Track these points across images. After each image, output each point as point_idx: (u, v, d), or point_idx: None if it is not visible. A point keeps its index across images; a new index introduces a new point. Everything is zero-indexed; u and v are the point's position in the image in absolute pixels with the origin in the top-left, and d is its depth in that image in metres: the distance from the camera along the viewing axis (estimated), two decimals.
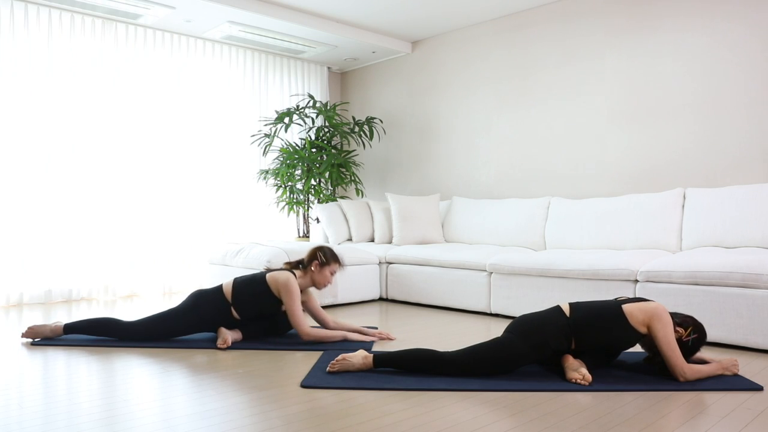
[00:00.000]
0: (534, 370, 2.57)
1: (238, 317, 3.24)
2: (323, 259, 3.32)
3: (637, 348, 3.11)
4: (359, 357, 2.55)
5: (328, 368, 2.54)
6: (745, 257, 3.16)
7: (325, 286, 3.35)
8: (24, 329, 3.56)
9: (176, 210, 5.56)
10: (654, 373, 2.53)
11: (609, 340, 2.51)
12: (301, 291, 3.36)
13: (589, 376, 2.37)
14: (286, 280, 3.20)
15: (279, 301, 3.24)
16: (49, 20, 4.87)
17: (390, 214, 5.40)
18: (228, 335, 3.14)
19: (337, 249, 3.40)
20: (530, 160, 5.20)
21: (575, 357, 2.52)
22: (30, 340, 3.27)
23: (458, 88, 5.80)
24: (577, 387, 2.32)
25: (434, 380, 2.42)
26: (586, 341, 2.50)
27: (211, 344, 3.14)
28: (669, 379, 2.44)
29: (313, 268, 3.32)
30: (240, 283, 3.26)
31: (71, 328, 3.29)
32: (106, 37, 5.18)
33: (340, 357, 2.54)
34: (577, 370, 2.40)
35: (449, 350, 2.68)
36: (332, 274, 3.35)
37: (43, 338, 3.25)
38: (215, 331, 3.28)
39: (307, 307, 3.41)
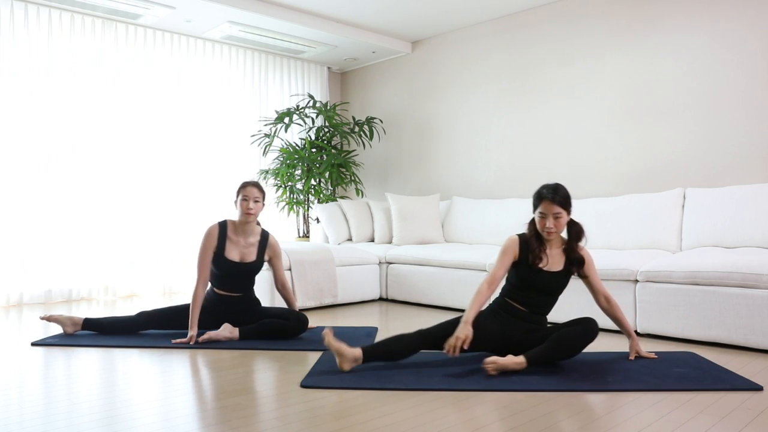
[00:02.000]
0: (534, 369, 2.57)
1: (224, 291, 3.35)
2: (236, 194, 3.36)
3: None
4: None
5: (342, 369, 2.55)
6: (745, 257, 3.16)
7: (247, 213, 3.30)
8: (42, 315, 3.51)
9: (176, 210, 5.56)
10: (652, 374, 2.53)
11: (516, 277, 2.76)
12: (265, 246, 3.43)
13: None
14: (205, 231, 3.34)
15: (215, 254, 3.31)
16: (49, 20, 4.87)
17: (390, 214, 5.40)
18: (217, 333, 3.18)
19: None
20: (530, 160, 5.20)
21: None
22: (32, 340, 3.27)
23: (458, 88, 5.80)
24: (577, 387, 2.32)
25: (434, 380, 2.42)
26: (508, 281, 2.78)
27: (211, 344, 3.13)
28: (668, 378, 2.45)
29: (236, 207, 3.36)
30: None
31: (91, 324, 3.36)
32: (106, 37, 5.18)
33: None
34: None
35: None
36: (245, 199, 3.30)
37: (60, 325, 3.34)
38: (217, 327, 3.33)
39: (270, 266, 3.52)
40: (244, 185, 3.33)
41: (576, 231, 2.74)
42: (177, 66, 5.60)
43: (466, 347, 2.55)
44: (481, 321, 2.67)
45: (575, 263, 2.74)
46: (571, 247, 2.74)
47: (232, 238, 3.33)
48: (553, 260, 2.73)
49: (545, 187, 2.69)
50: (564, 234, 2.79)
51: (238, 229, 3.36)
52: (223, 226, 3.34)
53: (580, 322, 2.66)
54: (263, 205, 3.36)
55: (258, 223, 3.46)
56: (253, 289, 3.48)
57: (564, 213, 2.65)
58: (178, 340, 3.17)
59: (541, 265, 2.68)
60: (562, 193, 2.67)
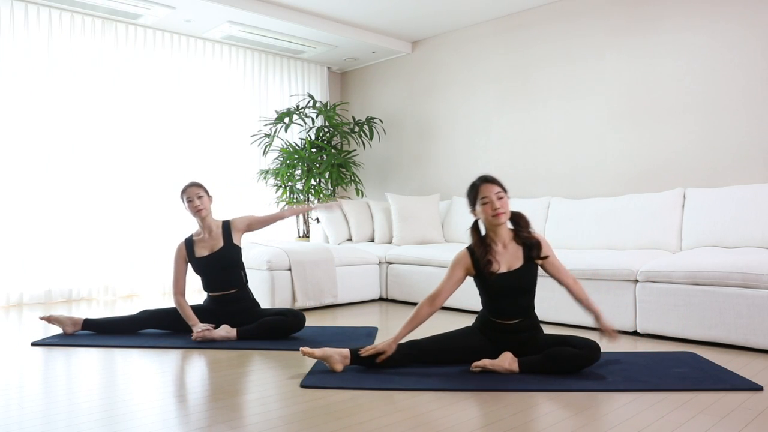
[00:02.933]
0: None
1: (215, 291, 3.43)
2: (182, 202, 3.44)
3: (635, 347, 3.12)
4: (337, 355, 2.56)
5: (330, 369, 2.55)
6: (745, 257, 3.16)
7: (198, 211, 3.38)
8: (42, 315, 3.52)
9: (176, 210, 5.55)
10: (652, 374, 2.53)
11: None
12: (229, 229, 3.47)
13: (367, 352, 2.53)
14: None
15: (189, 260, 3.46)
16: (49, 20, 4.87)
17: (390, 214, 5.40)
18: (212, 332, 3.20)
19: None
20: (530, 160, 5.20)
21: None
22: (32, 340, 3.27)
23: (458, 88, 5.80)
24: (577, 387, 2.32)
25: (434, 380, 2.42)
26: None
27: (211, 344, 3.14)
28: (668, 378, 2.45)
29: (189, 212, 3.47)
30: None
31: (91, 324, 3.39)
32: (106, 37, 5.18)
33: (320, 357, 2.54)
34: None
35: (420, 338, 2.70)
36: (190, 200, 3.38)
37: (60, 325, 3.36)
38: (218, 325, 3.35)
39: (256, 228, 3.55)
40: (183, 190, 3.42)
41: (522, 217, 2.64)
42: (177, 66, 5.60)
43: (378, 361, 2.53)
44: (476, 343, 2.64)
45: (534, 247, 2.60)
46: (524, 233, 2.61)
47: (197, 240, 3.46)
48: (511, 257, 2.59)
49: (476, 178, 2.63)
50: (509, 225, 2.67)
51: (201, 230, 3.47)
52: (188, 238, 3.48)
53: (582, 347, 2.48)
54: (210, 197, 3.45)
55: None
56: (247, 288, 3.49)
57: (504, 193, 2.57)
58: (196, 335, 3.18)
59: (495, 269, 2.55)
60: (495, 177, 2.62)
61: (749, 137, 4.00)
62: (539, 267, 2.66)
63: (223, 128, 5.90)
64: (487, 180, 2.59)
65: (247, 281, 3.50)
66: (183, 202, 3.43)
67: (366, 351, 2.55)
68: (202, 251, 3.42)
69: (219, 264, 3.40)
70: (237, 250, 3.47)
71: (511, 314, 2.61)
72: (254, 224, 3.55)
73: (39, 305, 4.69)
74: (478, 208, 2.58)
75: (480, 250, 2.59)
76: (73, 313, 4.33)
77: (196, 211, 3.38)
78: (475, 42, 5.66)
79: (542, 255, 2.62)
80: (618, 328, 3.50)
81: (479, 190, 2.57)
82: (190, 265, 3.47)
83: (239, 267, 3.47)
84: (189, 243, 3.46)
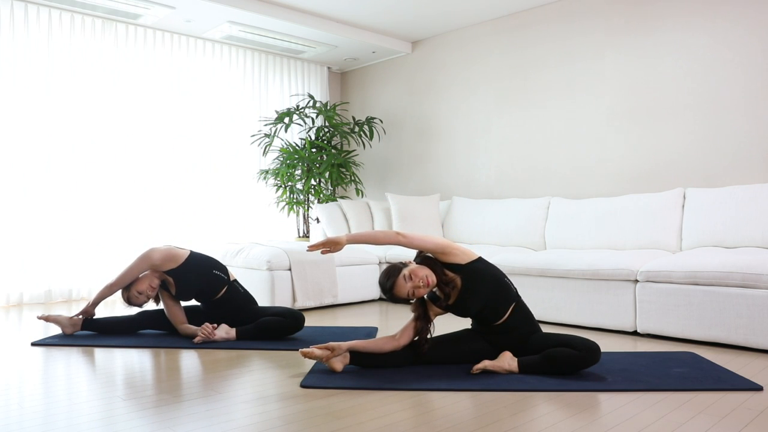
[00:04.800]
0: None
1: (210, 297, 3.41)
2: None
3: (635, 347, 3.12)
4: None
5: (325, 363, 2.55)
6: (745, 257, 3.16)
7: (152, 291, 3.32)
8: (41, 314, 3.51)
9: (176, 209, 5.56)
10: (652, 375, 2.53)
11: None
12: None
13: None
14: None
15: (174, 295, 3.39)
16: (49, 20, 4.87)
17: (390, 214, 5.40)
18: (215, 333, 3.18)
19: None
20: (530, 160, 5.20)
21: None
22: (32, 340, 3.27)
23: (458, 88, 5.80)
24: (577, 387, 2.32)
25: (434, 380, 2.42)
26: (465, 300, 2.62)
27: (211, 344, 3.14)
28: (668, 378, 2.45)
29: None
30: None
31: (90, 324, 3.39)
32: (106, 37, 5.18)
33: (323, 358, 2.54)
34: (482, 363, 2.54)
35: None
36: (146, 297, 3.32)
37: (59, 325, 3.36)
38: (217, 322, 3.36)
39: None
40: (140, 305, 3.35)
41: (424, 257, 2.61)
42: (177, 66, 5.60)
43: (324, 362, 2.52)
44: (475, 345, 2.67)
45: (448, 268, 2.59)
46: (439, 274, 2.55)
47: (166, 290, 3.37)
48: (453, 293, 2.61)
49: (381, 286, 2.53)
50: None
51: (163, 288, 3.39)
52: (161, 284, 3.36)
53: (582, 348, 2.45)
54: (137, 285, 3.32)
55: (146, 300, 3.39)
56: (234, 284, 3.44)
57: (410, 271, 2.48)
58: (198, 339, 3.16)
59: (450, 302, 2.59)
60: (391, 269, 2.52)
61: (749, 137, 4.01)
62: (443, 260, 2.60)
63: (223, 128, 5.90)
64: (392, 286, 2.48)
65: (228, 276, 3.42)
66: (145, 299, 3.32)
67: (315, 347, 2.51)
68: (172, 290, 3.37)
69: (189, 283, 3.31)
70: (184, 269, 3.30)
71: (493, 317, 2.62)
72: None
73: (39, 305, 4.69)
74: (412, 298, 2.55)
75: (440, 302, 2.62)
76: (73, 313, 4.32)
77: (152, 289, 3.29)
78: (474, 42, 5.66)
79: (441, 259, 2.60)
80: (618, 328, 3.51)
81: (398, 297, 2.50)
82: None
83: (209, 268, 3.36)
84: (164, 284, 3.36)
